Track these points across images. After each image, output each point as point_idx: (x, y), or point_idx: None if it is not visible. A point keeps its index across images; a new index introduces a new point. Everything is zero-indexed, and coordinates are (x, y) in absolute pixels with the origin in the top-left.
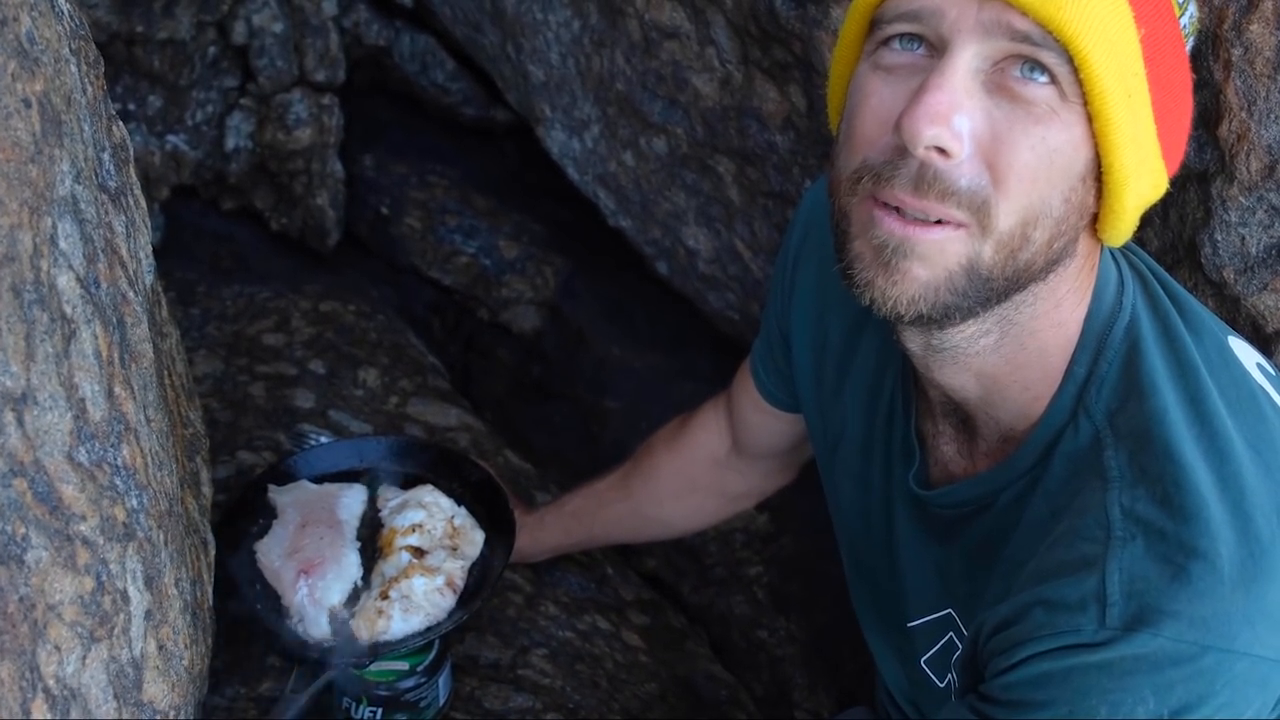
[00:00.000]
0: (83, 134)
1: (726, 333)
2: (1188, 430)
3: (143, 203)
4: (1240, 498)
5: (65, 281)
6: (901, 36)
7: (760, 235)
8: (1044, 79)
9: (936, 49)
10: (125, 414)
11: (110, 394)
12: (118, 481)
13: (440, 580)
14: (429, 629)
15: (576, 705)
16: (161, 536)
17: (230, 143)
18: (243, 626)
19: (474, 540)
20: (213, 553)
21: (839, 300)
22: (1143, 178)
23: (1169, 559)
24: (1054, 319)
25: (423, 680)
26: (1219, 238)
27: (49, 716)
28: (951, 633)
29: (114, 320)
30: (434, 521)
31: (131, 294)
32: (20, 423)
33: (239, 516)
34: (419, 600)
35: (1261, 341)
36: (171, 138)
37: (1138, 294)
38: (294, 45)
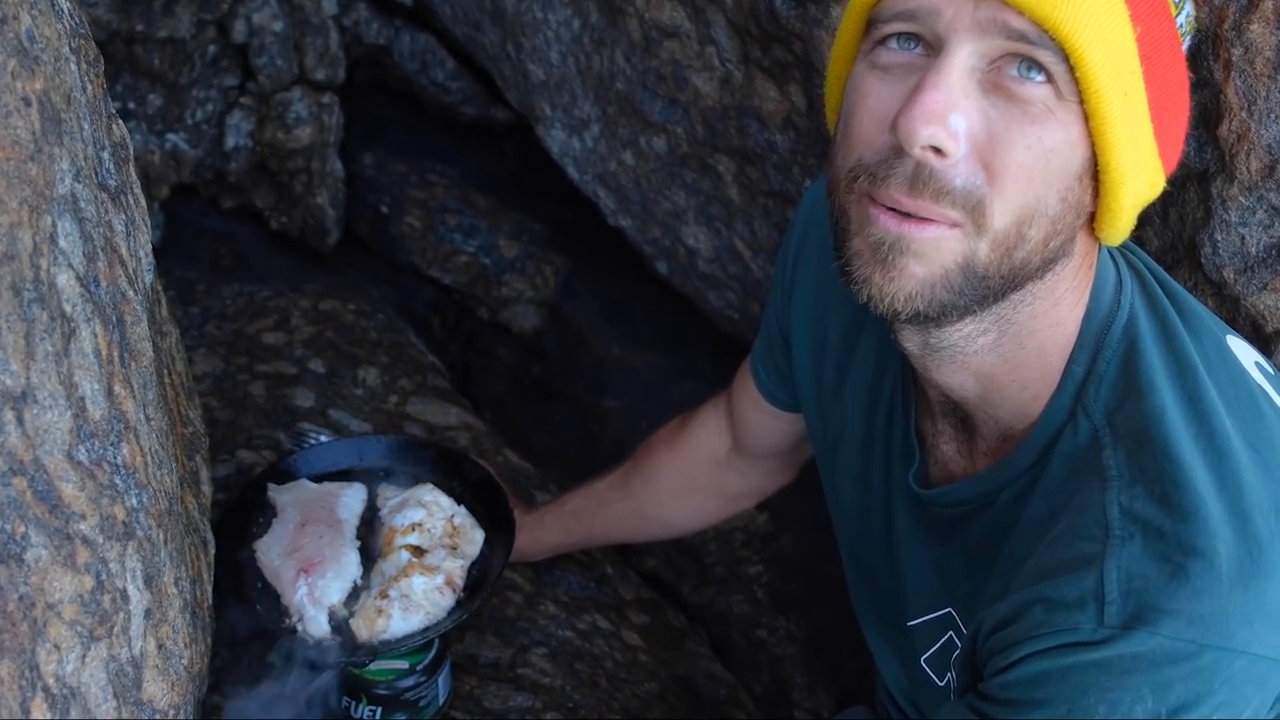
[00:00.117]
0: (82, 132)
1: (726, 332)
2: (1186, 429)
3: (142, 201)
4: (1238, 496)
5: (65, 280)
6: (898, 36)
7: (760, 235)
8: (1040, 78)
9: (933, 48)
10: (125, 413)
11: (110, 393)
12: (117, 480)
13: (440, 579)
14: (428, 628)
15: (576, 704)
16: (161, 535)
17: (230, 141)
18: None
19: (474, 539)
20: (212, 551)
21: (839, 300)
22: (1139, 176)
23: (1167, 557)
24: (1052, 318)
25: (422, 679)
26: (1219, 237)
27: (48, 715)
28: (951, 632)
29: (114, 319)
30: (434, 520)
31: (131, 293)
32: (20, 421)
33: (238, 515)
34: (418, 599)
35: (1261, 341)
36: (171, 136)
37: (1136, 293)
38: (294, 44)
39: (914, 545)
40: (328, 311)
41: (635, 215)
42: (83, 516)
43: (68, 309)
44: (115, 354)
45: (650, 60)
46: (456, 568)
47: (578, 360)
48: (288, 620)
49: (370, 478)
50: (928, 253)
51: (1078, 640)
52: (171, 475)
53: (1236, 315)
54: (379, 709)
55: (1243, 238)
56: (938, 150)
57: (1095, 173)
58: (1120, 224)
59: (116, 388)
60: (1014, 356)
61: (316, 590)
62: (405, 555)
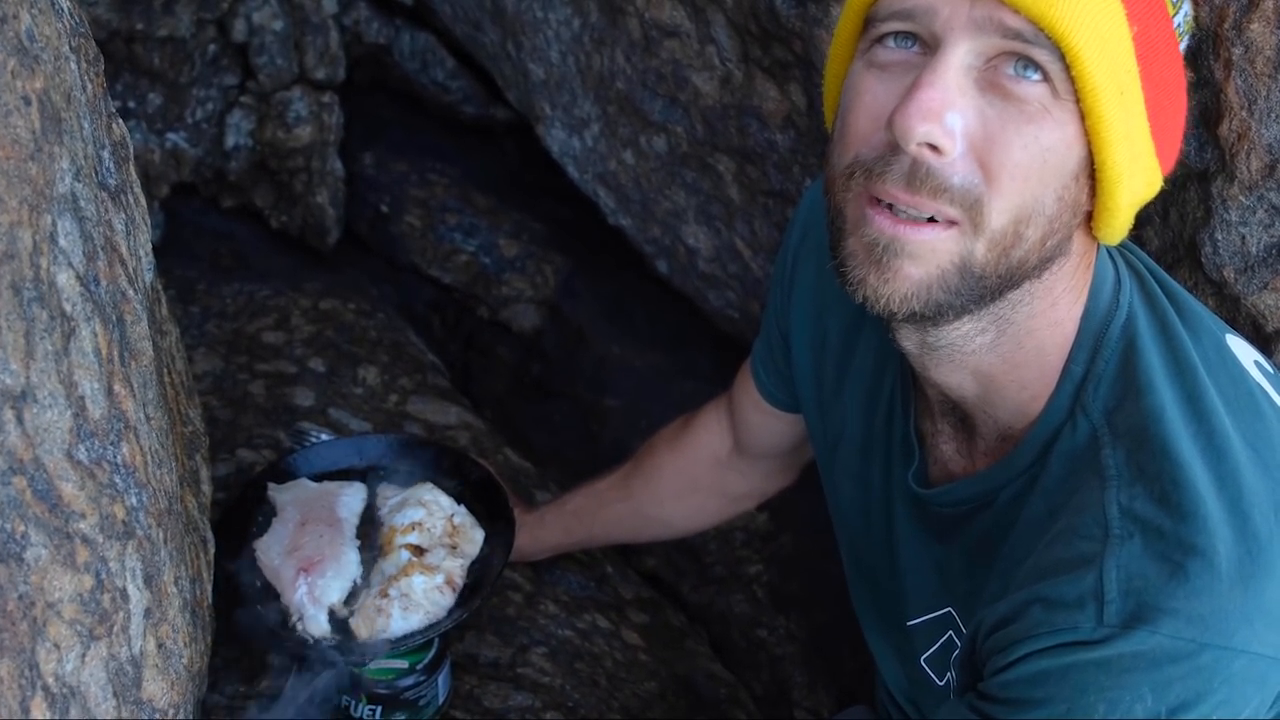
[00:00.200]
0: (82, 132)
1: (726, 331)
2: (1185, 428)
3: (142, 200)
4: (1238, 495)
5: (65, 279)
6: (895, 34)
7: (760, 234)
8: (1036, 77)
9: (929, 47)
10: (125, 412)
11: (110, 392)
12: (117, 479)
13: (440, 578)
14: (428, 627)
15: (576, 704)
16: (161, 534)
17: (230, 140)
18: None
19: (473, 538)
20: (212, 551)
21: (838, 299)
22: (1136, 175)
23: (1167, 557)
24: (1050, 317)
25: (422, 679)
26: (1219, 237)
27: (48, 715)
28: (951, 631)
29: (114, 318)
30: (433, 520)
31: (131, 292)
32: (20, 420)
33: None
34: (418, 598)
35: (1261, 341)
36: (171, 135)
37: (1135, 292)
38: (294, 43)
39: (914, 545)
40: (328, 311)
41: (635, 214)
42: (82, 516)
43: (67, 308)
44: (115, 353)
45: (650, 59)
46: (456, 567)
47: (578, 359)
48: (288, 620)
49: (370, 477)
50: (923, 254)
51: (1077, 639)
52: (171, 474)
53: (1237, 315)
54: (379, 708)
55: (1243, 237)
56: (934, 148)
57: (1092, 172)
58: (1117, 223)
59: (116, 387)
60: (1012, 356)
61: (316, 589)
62: (405, 554)
